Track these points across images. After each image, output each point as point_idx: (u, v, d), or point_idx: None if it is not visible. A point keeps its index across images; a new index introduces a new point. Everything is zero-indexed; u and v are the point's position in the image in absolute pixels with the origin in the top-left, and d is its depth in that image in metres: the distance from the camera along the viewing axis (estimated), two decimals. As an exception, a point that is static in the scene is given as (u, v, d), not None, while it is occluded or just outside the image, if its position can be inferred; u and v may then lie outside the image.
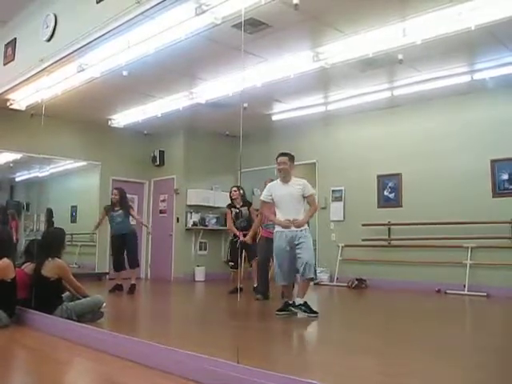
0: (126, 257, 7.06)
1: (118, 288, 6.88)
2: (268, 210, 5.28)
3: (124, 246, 7.06)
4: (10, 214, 8.44)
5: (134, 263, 7.14)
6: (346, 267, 8.42)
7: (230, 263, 7.08)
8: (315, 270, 5.10)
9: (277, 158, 5.18)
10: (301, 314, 4.90)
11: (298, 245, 4.93)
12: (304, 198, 5.10)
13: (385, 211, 8.20)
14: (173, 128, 9.58)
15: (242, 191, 7.24)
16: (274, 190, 5.17)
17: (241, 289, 7.14)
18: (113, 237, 7.31)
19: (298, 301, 4.96)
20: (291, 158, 5.18)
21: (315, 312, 4.89)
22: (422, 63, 6.27)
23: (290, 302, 5.05)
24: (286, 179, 5.13)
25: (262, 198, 5.29)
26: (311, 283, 5.52)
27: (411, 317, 5.41)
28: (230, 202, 7.31)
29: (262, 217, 6.17)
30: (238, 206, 7.14)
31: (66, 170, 9.76)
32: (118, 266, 7.07)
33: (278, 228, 5.09)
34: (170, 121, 8.72)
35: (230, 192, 7.30)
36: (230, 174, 10.09)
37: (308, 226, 5.16)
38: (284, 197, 5.07)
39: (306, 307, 4.91)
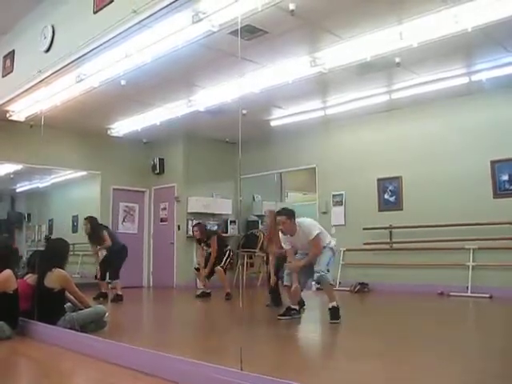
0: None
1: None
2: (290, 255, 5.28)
3: None
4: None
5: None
6: (348, 271, 8.40)
7: None
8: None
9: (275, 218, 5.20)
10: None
11: None
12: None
13: (386, 214, 8.19)
14: (172, 136, 9.59)
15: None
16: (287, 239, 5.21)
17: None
18: None
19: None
20: (288, 214, 5.08)
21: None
22: (419, 66, 6.28)
23: (292, 307, 5.13)
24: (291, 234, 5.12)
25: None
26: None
27: (414, 320, 5.38)
28: None
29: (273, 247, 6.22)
30: None
31: (66, 180, 9.78)
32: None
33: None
34: (169, 129, 8.73)
35: None
36: (230, 181, 10.11)
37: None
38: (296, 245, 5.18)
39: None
